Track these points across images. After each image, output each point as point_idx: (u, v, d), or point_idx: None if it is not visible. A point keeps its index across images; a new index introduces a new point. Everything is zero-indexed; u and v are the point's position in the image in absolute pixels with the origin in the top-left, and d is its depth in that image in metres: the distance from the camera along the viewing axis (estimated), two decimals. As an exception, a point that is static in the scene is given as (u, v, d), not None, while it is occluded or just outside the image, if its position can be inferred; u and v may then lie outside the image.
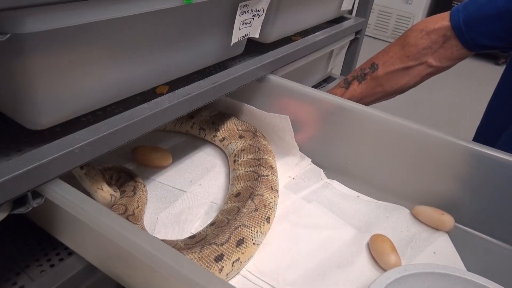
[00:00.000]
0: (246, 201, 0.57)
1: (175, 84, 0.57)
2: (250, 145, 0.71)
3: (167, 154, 0.69)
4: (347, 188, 0.71)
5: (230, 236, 0.51)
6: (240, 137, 0.73)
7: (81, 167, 0.50)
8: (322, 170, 0.74)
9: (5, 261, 0.47)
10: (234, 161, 0.69)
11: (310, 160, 0.76)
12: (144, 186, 0.60)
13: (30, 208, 0.41)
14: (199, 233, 0.52)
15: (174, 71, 0.57)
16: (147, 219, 0.58)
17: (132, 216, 0.53)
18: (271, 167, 0.67)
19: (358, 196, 0.69)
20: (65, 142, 0.42)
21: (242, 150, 0.70)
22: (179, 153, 0.73)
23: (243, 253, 0.51)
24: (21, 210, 0.41)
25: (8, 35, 0.34)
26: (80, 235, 0.45)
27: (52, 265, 0.49)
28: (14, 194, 0.38)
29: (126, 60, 0.47)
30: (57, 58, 0.40)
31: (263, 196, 0.59)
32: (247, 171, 0.65)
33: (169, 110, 0.52)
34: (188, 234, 0.57)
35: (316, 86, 1.13)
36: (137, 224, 0.53)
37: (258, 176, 0.63)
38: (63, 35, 0.38)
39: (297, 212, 0.64)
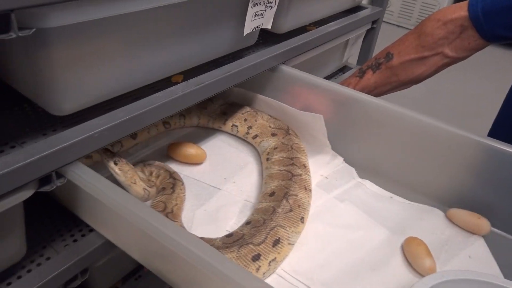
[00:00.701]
0: (281, 201, 0.58)
1: (189, 74, 0.59)
2: (283, 143, 0.72)
3: (201, 151, 0.70)
4: (379, 188, 0.70)
5: (267, 236, 0.52)
6: (273, 134, 0.74)
7: (115, 163, 0.52)
8: (354, 169, 0.74)
9: (34, 235, 0.52)
10: (267, 159, 0.70)
11: (342, 159, 0.76)
12: (183, 184, 0.61)
13: (54, 187, 0.45)
14: (236, 232, 0.54)
15: (189, 61, 0.59)
16: (184, 216, 0.60)
17: (171, 214, 0.55)
18: (304, 166, 0.68)
19: (391, 197, 0.69)
20: (86, 127, 0.46)
21: (275, 148, 0.71)
22: (212, 150, 0.75)
23: (279, 253, 0.52)
24: (46, 188, 0.44)
25: (34, 30, 0.37)
26: (98, 213, 0.49)
27: (75, 240, 0.53)
28: (40, 173, 0.42)
29: (143, 50, 0.50)
30: (78, 50, 0.43)
31: (297, 196, 0.60)
32: (280, 170, 0.65)
33: (182, 98, 0.55)
34: (224, 232, 0.58)
35: (331, 76, 1.13)
36: (175, 221, 0.54)
37: (292, 176, 0.63)
38: (83, 28, 0.42)
39: (329, 212, 0.65)
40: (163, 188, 0.59)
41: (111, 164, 0.53)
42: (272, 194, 0.60)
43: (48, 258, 0.51)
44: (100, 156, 0.54)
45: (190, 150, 0.69)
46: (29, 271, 0.50)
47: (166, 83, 0.57)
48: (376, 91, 0.87)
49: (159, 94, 0.53)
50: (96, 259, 0.54)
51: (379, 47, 1.16)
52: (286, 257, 0.55)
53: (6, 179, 0.39)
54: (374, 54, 1.19)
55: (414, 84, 0.87)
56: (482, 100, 2.50)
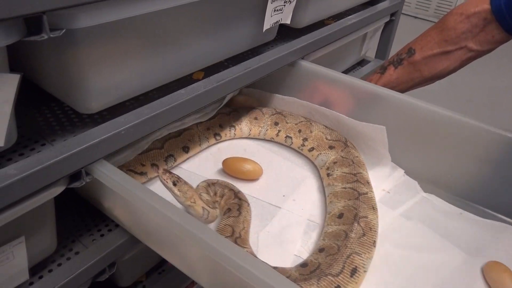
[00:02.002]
0: (352, 224, 0.54)
1: (210, 70, 0.60)
2: (342, 157, 0.68)
3: (258, 167, 0.67)
4: (447, 203, 0.66)
5: (344, 266, 0.49)
6: (330, 147, 0.70)
7: (174, 183, 0.51)
8: (417, 182, 0.70)
9: (63, 231, 0.54)
10: (328, 175, 0.66)
11: (403, 171, 0.72)
12: (248, 205, 0.59)
13: (84, 183, 0.46)
14: (310, 260, 0.51)
15: (209, 58, 0.60)
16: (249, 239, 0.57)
17: (240, 239, 0.52)
18: (368, 182, 0.64)
19: (460, 213, 0.65)
20: (113, 124, 0.47)
21: (334, 163, 0.67)
22: (266, 163, 0.71)
23: (356, 282, 0.49)
24: (76, 185, 0.46)
25: (64, 30, 0.38)
26: (120, 210, 0.51)
27: (102, 235, 0.56)
28: (70, 170, 0.44)
29: (165, 49, 0.52)
30: (105, 49, 0.44)
31: (367, 218, 0.56)
32: (345, 188, 0.62)
33: (204, 95, 0.56)
34: (291, 256, 0.55)
35: (349, 70, 1.11)
36: (245, 247, 0.52)
37: (359, 195, 0.60)
38: (109, 28, 0.43)
39: (398, 232, 0.61)
40: (229, 210, 0.57)
41: (170, 185, 0.51)
42: (340, 216, 0.57)
43: (77, 253, 0.53)
44: (159, 177, 0.52)
45: (247, 166, 0.66)
46: (59, 265, 0.52)
47: (187, 80, 0.58)
48: (399, 88, 0.84)
49: (182, 91, 0.54)
50: (122, 253, 0.56)
51: (397, 39, 1.13)
52: (361, 286, 0.52)
53: (40, 175, 0.40)
54: (393, 47, 1.16)
55: (437, 79, 0.84)
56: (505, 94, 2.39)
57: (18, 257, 0.46)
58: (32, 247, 0.48)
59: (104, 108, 0.49)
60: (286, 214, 0.62)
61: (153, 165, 0.65)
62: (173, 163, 0.67)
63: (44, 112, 0.52)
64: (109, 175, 0.45)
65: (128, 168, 0.62)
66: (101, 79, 0.46)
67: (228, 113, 0.77)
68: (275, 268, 0.49)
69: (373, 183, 0.68)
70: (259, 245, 0.57)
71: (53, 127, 0.49)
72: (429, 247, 0.59)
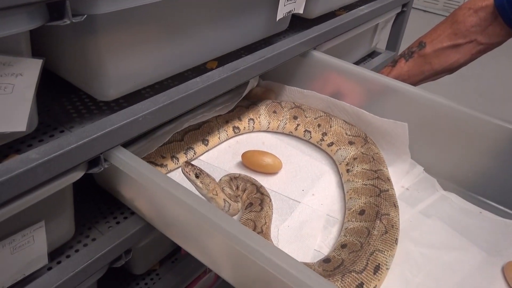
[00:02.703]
0: (374, 221, 0.54)
1: (223, 60, 0.61)
2: (362, 153, 0.68)
3: (278, 160, 0.67)
4: (467, 202, 0.66)
5: (367, 263, 0.49)
6: (350, 143, 0.70)
7: (197, 176, 0.51)
8: (436, 180, 0.70)
9: (80, 218, 0.55)
10: (348, 171, 0.66)
11: (422, 168, 0.71)
12: (270, 200, 0.59)
13: (102, 169, 0.47)
14: (334, 256, 0.51)
15: (223, 47, 0.61)
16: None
17: (261, 234, 0.53)
18: (388, 179, 0.64)
19: (480, 212, 0.65)
20: (130, 111, 0.47)
21: (354, 159, 0.67)
22: (285, 157, 0.71)
23: (379, 279, 0.49)
24: (95, 170, 0.47)
25: (85, 16, 0.38)
26: (137, 198, 0.52)
27: (117, 222, 0.57)
28: (90, 155, 0.44)
29: (181, 37, 0.52)
30: (123, 36, 0.45)
31: (389, 215, 0.56)
32: (366, 185, 0.62)
33: (219, 83, 0.56)
34: (311, 251, 0.56)
35: (360, 61, 1.11)
36: (267, 242, 0.52)
37: (380, 192, 0.60)
38: (128, 14, 0.43)
39: (417, 229, 0.61)
40: (251, 204, 0.57)
41: (193, 177, 0.51)
42: (362, 212, 0.57)
43: (94, 239, 0.55)
44: (181, 170, 0.52)
45: (267, 159, 0.66)
46: (77, 250, 0.53)
47: (201, 69, 0.60)
48: (409, 81, 0.84)
49: (198, 79, 0.55)
50: (138, 240, 0.57)
51: (406, 33, 1.12)
52: (383, 283, 0.52)
53: (61, 160, 0.41)
54: (404, 39, 1.15)
55: (447, 73, 0.85)
56: None
57: (38, 241, 0.47)
58: (51, 232, 0.49)
59: (121, 96, 0.50)
60: (305, 208, 0.62)
61: (173, 157, 0.65)
62: (193, 155, 0.67)
63: (62, 100, 0.53)
64: (127, 161, 0.46)
65: (148, 160, 0.62)
66: (120, 67, 0.47)
67: (246, 106, 0.76)
68: (298, 263, 0.49)
69: (392, 179, 0.68)
70: (280, 240, 0.57)
71: (71, 114, 0.50)
72: (449, 245, 0.59)
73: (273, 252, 0.38)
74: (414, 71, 0.85)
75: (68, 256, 0.54)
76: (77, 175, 0.45)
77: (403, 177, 0.69)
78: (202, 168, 0.54)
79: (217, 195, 0.52)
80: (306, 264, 0.49)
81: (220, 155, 0.71)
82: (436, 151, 0.70)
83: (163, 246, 0.71)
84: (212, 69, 0.59)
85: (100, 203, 0.60)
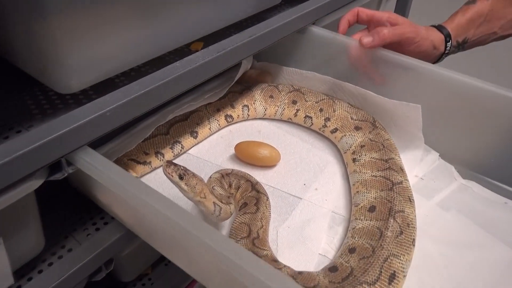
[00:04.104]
0: (387, 220, 0.47)
1: (210, 40, 0.53)
2: (370, 139, 0.60)
3: (275, 152, 0.60)
4: (490, 191, 0.59)
5: (381, 272, 0.42)
6: (357, 128, 0.63)
7: (180, 177, 0.44)
8: (453, 166, 0.62)
9: (55, 225, 0.50)
10: (354, 160, 0.59)
11: (438, 154, 0.64)
12: (267, 198, 0.52)
13: (66, 175, 0.41)
14: (341, 264, 0.44)
15: (208, 26, 0.54)
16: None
17: (257, 240, 0.46)
18: (401, 169, 0.56)
19: (505, 203, 0.57)
20: (96, 105, 0.41)
21: (362, 147, 0.60)
22: (283, 147, 0.64)
23: (394, 289, 0.43)
24: (57, 177, 0.40)
25: None
26: (114, 205, 0.46)
27: (97, 229, 0.51)
28: (48, 160, 0.38)
29: (157, 15, 0.45)
30: (82, 16, 0.38)
31: (404, 212, 0.49)
32: (375, 176, 0.54)
33: (203, 67, 0.49)
34: (315, 255, 0.49)
35: None
36: (263, 250, 0.45)
37: (393, 185, 0.52)
38: None
39: (435, 224, 0.54)
40: (245, 204, 0.50)
41: (176, 179, 0.44)
42: (372, 209, 0.50)
43: (70, 250, 0.49)
44: (163, 170, 0.45)
45: (263, 151, 0.59)
46: (50, 264, 0.47)
47: (185, 51, 0.53)
48: (488, 26, 0.70)
49: (177, 63, 0.48)
50: (120, 249, 0.52)
51: (415, 2, 1.02)
52: (399, 291, 0.45)
53: (10, 168, 0.35)
54: (411, 9, 1.05)
55: None
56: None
57: None
58: (14, 248, 0.43)
59: (87, 87, 0.43)
60: (307, 205, 0.55)
61: (157, 153, 0.58)
62: (180, 150, 0.60)
63: (22, 95, 0.46)
64: (93, 165, 0.39)
65: (129, 157, 0.55)
66: (81, 53, 0.40)
67: (240, 91, 0.69)
68: (300, 273, 0.43)
69: (405, 168, 0.60)
70: (279, 243, 0.50)
71: (31, 111, 0.43)
72: (471, 242, 0.52)
73: (264, 272, 0.31)
74: (498, 12, 0.69)
75: (40, 271, 0.48)
76: (34, 184, 0.38)
77: (417, 165, 0.62)
78: (190, 164, 0.47)
79: (205, 198, 0.45)
80: (308, 274, 0.43)
81: (212, 148, 0.63)
82: (453, 135, 0.62)
83: (153, 250, 0.65)
84: (197, 51, 0.52)
85: (79, 207, 0.54)
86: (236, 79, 0.64)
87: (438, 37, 0.67)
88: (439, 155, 0.64)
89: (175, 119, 0.61)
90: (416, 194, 0.57)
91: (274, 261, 0.44)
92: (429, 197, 0.58)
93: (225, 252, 0.32)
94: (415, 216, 0.51)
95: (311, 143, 0.66)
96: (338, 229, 0.52)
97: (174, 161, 0.60)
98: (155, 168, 0.58)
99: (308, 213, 0.54)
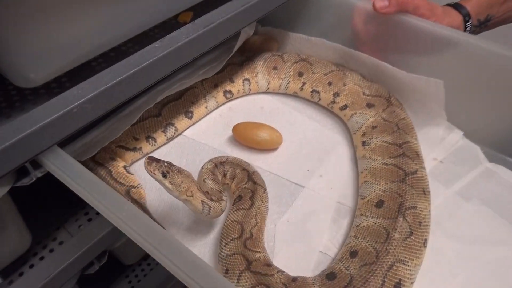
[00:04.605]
0: (396, 218, 0.42)
1: (200, 9, 0.48)
2: (384, 119, 0.54)
3: (276, 134, 0.54)
4: (520, 177, 0.52)
5: (384, 281, 0.38)
6: (369, 105, 0.56)
7: (164, 175, 0.39)
8: (478, 147, 0.55)
9: (46, 216, 0.50)
10: (364, 143, 0.53)
11: (462, 132, 0.56)
12: (265, 190, 0.47)
13: (34, 179, 0.38)
14: (340, 270, 0.40)
15: None
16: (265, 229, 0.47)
17: (250, 241, 0.42)
18: (417, 155, 0.50)
19: (537, 191, 0.51)
20: (60, 101, 0.35)
21: (373, 128, 0.53)
22: (287, 126, 0.58)
23: (399, 300, 0.38)
24: (25, 182, 0.38)
25: None
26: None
27: (89, 219, 0.51)
28: (10, 166, 0.34)
29: None
30: None
31: (416, 208, 0.44)
32: (386, 164, 0.49)
33: (188, 46, 0.42)
34: (316, 254, 0.45)
35: None
36: (256, 252, 0.41)
37: (405, 175, 0.47)
38: None
39: (453, 217, 0.48)
40: (239, 198, 0.46)
41: (159, 177, 0.39)
42: (379, 204, 0.45)
43: (61, 243, 0.49)
44: (145, 167, 0.40)
45: (262, 134, 0.54)
46: (41, 258, 0.47)
47: (172, 24, 0.49)
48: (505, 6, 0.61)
49: (157, 44, 0.41)
50: (114, 239, 0.51)
51: None
52: (406, 297, 0.41)
53: None
54: None
55: None
56: None
57: None
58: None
59: (52, 78, 0.38)
60: (310, 195, 0.50)
61: (148, 137, 0.53)
62: (174, 132, 0.56)
63: None
64: (60, 170, 0.35)
65: (118, 144, 0.51)
66: (38, 39, 0.34)
67: (240, 63, 0.62)
68: (294, 281, 0.39)
69: (422, 149, 0.54)
70: (276, 240, 0.46)
71: None
72: (494, 238, 0.46)
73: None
74: None
75: (31, 266, 0.47)
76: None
77: (436, 146, 0.55)
78: (183, 151, 0.43)
79: (192, 196, 0.41)
80: (303, 281, 0.39)
81: (209, 128, 0.58)
82: (480, 111, 0.55)
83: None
84: (185, 23, 0.46)
85: (70, 196, 0.50)
86: (235, 50, 0.57)
87: (456, 17, 0.57)
88: (463, 134, 0.56)
89: (168, 99, 0.56)
90: (434, 181, 0.52)
91: (266, 265, 0.40)
92: (449, 184, 0.52)
93: (190, 273, 0.28)
94: (429, 211, 0.45)
95: (318, 121, 0.60)
96: (343, 222, 0.48)
97: (167, 145, 0.56)
98: (147, 154, 0.54)
99: (311, 204, 0.50)
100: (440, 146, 0.56)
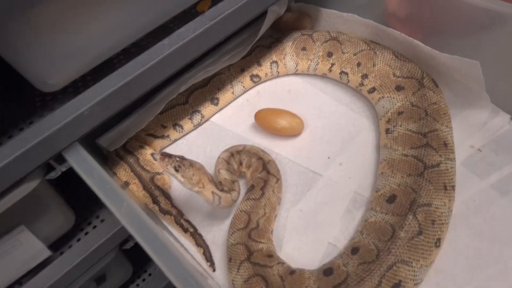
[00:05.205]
0: (405, 216, 0.40)
1: None
2: (412, 104, 0.50)
3: (297, 121, 0.54)
4: None
5: (381, 282, 0.37)
6: (398, 88, 0.52)
7: (176, 169, 0.42)
8: (528, 133, 0.49)
9: (91, 197, 0.49)
10: (387, 131, 0.50)
11: (510, 116, 0.50)
12: (277, 180, 0.48)
13: (60, 173, 0.42)
14: (338, 266, 0.40)
15: None
16: (278, 220, 0.48)
17: (256, 230, 0.44)
18: (445, 145, 0.46)
19: None
20: (73, 105, 0.39)
21: (399, 113, 0.50)
22: (314, 109, 0.57)
23: (398, 301, 0.38)
24: (52, 176, 0.42)
25: None
26: None
27: None
28: (36, 163, 0.38)
29: None
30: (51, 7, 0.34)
31: (430, 206, 0.41)
32: (406, 156, 0.46)
33: (195, 41, 0.43)
34: (325, 245, 0.45)
35: None
36: (259, 242, 0.43)
37: (424, 168, 0.43)
38: None
39: (482, 212, 0.45)
40: (252, 187, 0.47)
41: (172, 171, 0.42)
42: (391, 199, 0.43)
43: (102, 220, 0.55)
44: (159, 163, 0.43)
45: (282, 121, 0.53)
46: (86, 233, 0.54)
47: (192, 14, 0.49)
48: None
49: (165, 41, 0.42)
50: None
51: None
52: (411, 297, 0.40)
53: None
54: None
55: None
56: None
57: (27, 241, 0.47)
58: (42, 228, 0.49)
59: (71, 81, 0.41)
60: (327, 184, 0.50)
61: (175, 125, 0.57)
62: (201, 119, 0.58)
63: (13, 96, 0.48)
64: (78, 166, 0.40)
65: (147, 132, 0.55)
66: (54, 47, 0.37)
67: (268, 45, 0.61)
68: (291, 274, 0.40)
69: (458, 136, 0.49)
70: (287, 228, 0.47)
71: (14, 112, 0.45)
72: (528, 239, 0.42)
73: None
74: None
75: (78, 240, 0.55)
76: (30, 185, 0.41)
77: (476, 132, 0.50)
78: (209, 137, 0.47)
79: (204, 187, 0.44)
80: (300, 274, 0.40)
81: (235, 114, 0.60)
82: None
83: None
84: (203, 13, 0.46)
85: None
86: (261, 33, 0.56)
87: None
88: (511, 118, 0.50)
89: (194, 86, 0.58)
90: (468, 172, 0.48)
91: (268, 256, 0.42)
92: (484, 175, 0.47)
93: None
94: (448, 208, 0.42)
95: (346, 104, 0.57)
96: (357, 214, 0.47)
97: (194, 131, 0.59)
98: (175, 140, 0.57)
99: (327, 193, 0.49)
100: (481, 131, 0.50)
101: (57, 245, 0.53)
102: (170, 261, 0.32)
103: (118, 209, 0.35)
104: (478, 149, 0.49)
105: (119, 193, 0.37)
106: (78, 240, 0.54)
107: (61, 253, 0.53)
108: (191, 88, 0.57)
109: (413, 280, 0.38)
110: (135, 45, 0.48)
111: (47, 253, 0.50)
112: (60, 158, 0.41)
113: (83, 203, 0.56)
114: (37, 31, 0.37)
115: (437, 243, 0.40)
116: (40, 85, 0.41)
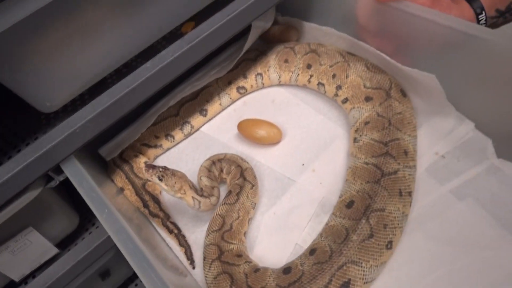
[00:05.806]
0: (359, 220, 0.44)
1: (201, 17, 0.50)
2: (378, 114, 0.53)
3: (274, 131, 0.58)
4: (528, 176, 0.48)
5: (331, 280, 0.41)
6: (367, 99, 0.55)
7: (160, 179, 0.48)
8: (490, 140, 0.51)
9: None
10: (355, 140, 0.54)
11: (473, 124, 0.53)
12: (252, 186, 0.53)
13: (58, 182, 0.48)
14: (295, 265, 0.44)
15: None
16: (253, 222, 0.53)
17: (228, 232, 0.49)
18: (405, 153, 0.49)
19: (546, 192, 0.46)
20: (67, 124, 0.44)
21: (366, 123, 0.53)
22: (294, 118, 0.61)
23: (347, 298, 0.42)
24: (52, 185, 0.48)
25: None
26: None
27: None
28: (36, 174, 0.44)
29: (137, 9, 0.44)
30: (49, 33, 0.39)
31: (383, 211, 0.45)
32: (367, 164, 0.49)
33: (174, 63, 0.47)
34: (293, 246, 0.50)
35: None
36: (230, 243, 0.48)
37: (382, 176, 0.47)
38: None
39: (439, 216, 0.48)
40: (229, 192, 0.52)
41: (156, 181, 0.48)
42: (350, 205, 0.47)
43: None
44: (144, 173, 0.50)
45: (260, 131, 0.58)
46: (90, 233, 0.60)
47: (177, 35, 0.53)
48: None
49: (148, 64, 0.47)
50: None
51: None
52: (363, 294, 0.44)
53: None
54: None
55: None
56: None
57: (36, 241, 0.54)
58: (49, 229, 0.55)
59: (68, 101, 0.47)
60: (300, 189, 0.54)
61: (167, 135, 0.62)
62: (190, 130, 0.63)
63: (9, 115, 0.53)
64: (72, 177, 0.46)
65: (142, 142, 0.61)
66: (51, 73, 0.43)
67: (253, 58, 0.66)
68: (255, 271, 0.45)
69: (424, 142, 0.52)
70: (261, 231, 0.52)
71: (17, 131, 0.51)
72: (479, 240, 0.45)
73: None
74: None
75: (83, 238, 0.62)
76: (33, 193, 0.48)
77: (441, 139, 0.53)
78: (198, 146, 0.52)
79: (185, 193, 0.49)
80: (263, 272, 0.44)
81: (222, 124, 0.65)
82: (495, 100, 0.50)
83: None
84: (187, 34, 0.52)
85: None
86: (245, 48, 0.61)
87: (468, 12, 0.51)
88: (475, 126, 0.52)
89: (185, 99, 0.63)
90: (429, 178, 0.51)
91: (237, 256, 0.47)
92: (445, 181, 0.50)
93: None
94: (402, 213, 0.46)
95: (324, 114, 0.61)
96: (324, 217, 0.51)
97: (185, 141, 0.64)
98: (167, 149, 0.63)
99: (299, 198, 0.54)
100: (446, 139, 0.53)
101: (65, 243, 0.60)
102: (138, 258, 0.38)
103: (100, 215, 0.42)
104: (442, 156, 0.52)
105: (103, 201, 0.43)
106: (83, 238, 0.61)
107: (68, 250, 0.60)
108: (182, 101, 0.63)
109: (363, 279, 0.42)
110: (126, 65, 0.54)
111: (54, 250, 0.57)
112: (58, 169, 0.48)
113: (87, 206, 0.63)
114: (35, 59, 0.42)
115: (389, 245, 0.44)
116: (40, 107, 0.47)
